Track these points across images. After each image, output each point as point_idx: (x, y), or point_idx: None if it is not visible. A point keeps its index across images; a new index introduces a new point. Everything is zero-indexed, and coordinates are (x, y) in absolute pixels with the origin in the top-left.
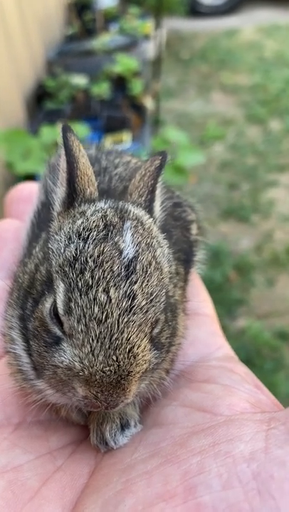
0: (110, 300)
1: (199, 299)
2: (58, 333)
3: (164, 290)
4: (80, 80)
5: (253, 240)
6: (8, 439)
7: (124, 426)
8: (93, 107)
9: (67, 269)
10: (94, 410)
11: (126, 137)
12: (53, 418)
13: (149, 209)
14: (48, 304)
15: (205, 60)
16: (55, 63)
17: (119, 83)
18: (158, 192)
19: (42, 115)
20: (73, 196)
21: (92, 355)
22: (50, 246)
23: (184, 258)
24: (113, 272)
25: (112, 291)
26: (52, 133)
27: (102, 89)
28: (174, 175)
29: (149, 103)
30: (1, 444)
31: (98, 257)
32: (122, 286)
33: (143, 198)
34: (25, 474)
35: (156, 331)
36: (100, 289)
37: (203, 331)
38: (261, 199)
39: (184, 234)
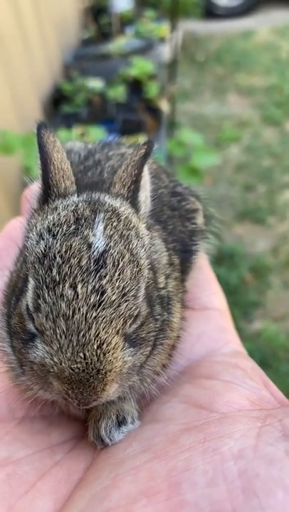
0: (77, 296)
1: (209, 292)
2: (33, 329)
3: (141, 283)
4: (96, 84)
5: (269, 242)
6: (11, 433)
7: (120, 422)
8: (109, 110)
9: (36, 266)
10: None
11: (142, 140)
12: (57, 413)
13: (133, 199)
14: (25, 301)
15: (220, 61)
16: (72, 67)
17: (135, 86)
18: (144, 182)
19: (59, 119)
20: (48, 192)
21: (61, 351)
22: (25, 244)
23: (180, 248)
24: (81, 267)
25: (79, 286)
26: (69, 137)
27: (118, 93)
28: (189, 176)
29: (164, 106)
30: (4, 438)
31: (66, 252)
32: (90, 281)
33: (126, 189)
34: (23, 468)
35: (134, 326)
36: (67, 285)
37: (211, 326)
38: (277, 201)
39: (184, 223)
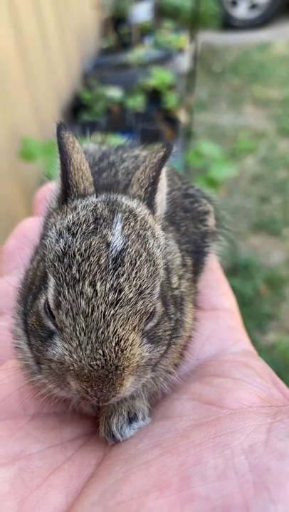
0: (96, 293)
1: (219, 292)
2: (52, 327)
3: (157, 282)
4: (115, 93)
5: (284, 254)
6: (24, 429)
7: (132, 419)
8: (128, 120)
9: (56, 264)
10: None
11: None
12: (68, 410)
13: (150, 201)
14: (42, 299)
15: (237, 73)
16: (91, 75)
17: (154, 96)
18: (161, 184)
19: (78, 127)
20: (67, 192)
21: (80, 348)
22: (44, 242)
23: (193, 249)
24: (100, 266)
25: (98, 284)
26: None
27: (137, 102)
28: (206, 187)
29: (182, 116)
30: (17, 433)
31: (85, 250)
32: (108, 279)
33: (143, 190)
34: (35, 463)
35: (150, 324)
36: (87, 283)
37: (220, 326)
38: None
39: (196, 225)
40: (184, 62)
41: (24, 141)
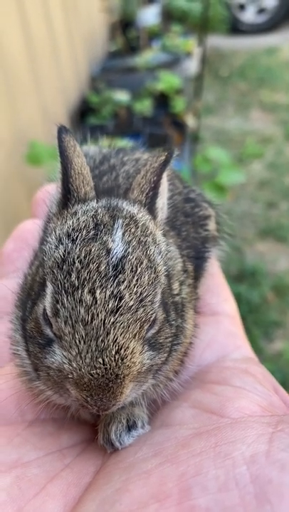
0: (96, 301)
1: (220, 298)
2: (50, 334)
3: (158, 289)
4: (122, 96)
5: None
6: (21, 435)
7: (131, 427)
8: (135, 124)
9: (55, 270)
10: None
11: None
12: (67, 416)
13: (151, 206)
14: (41, 306)
15: (244, 77)
16: (99, 79)
17: (162, 100)
18: (162, 188)
19: (85, 131)
20: (68, 197)
21: (80, 357)
22: (44, 248)
23: (194, 255)
24: (100, 273)
25: (98, 292)
26: None
27: (145, 106)
28: (214, 192)
29: (190, 121)
30: (14, 440)
31: (85, 257)
32: (108, 287)
33: (144, 195)
34: (33, 470)
35: (152, 331)
36: (86, 290)
37: (221, 332)
38: None
39: (197, 230)
40: (191, 66)
41: (31, 145)
